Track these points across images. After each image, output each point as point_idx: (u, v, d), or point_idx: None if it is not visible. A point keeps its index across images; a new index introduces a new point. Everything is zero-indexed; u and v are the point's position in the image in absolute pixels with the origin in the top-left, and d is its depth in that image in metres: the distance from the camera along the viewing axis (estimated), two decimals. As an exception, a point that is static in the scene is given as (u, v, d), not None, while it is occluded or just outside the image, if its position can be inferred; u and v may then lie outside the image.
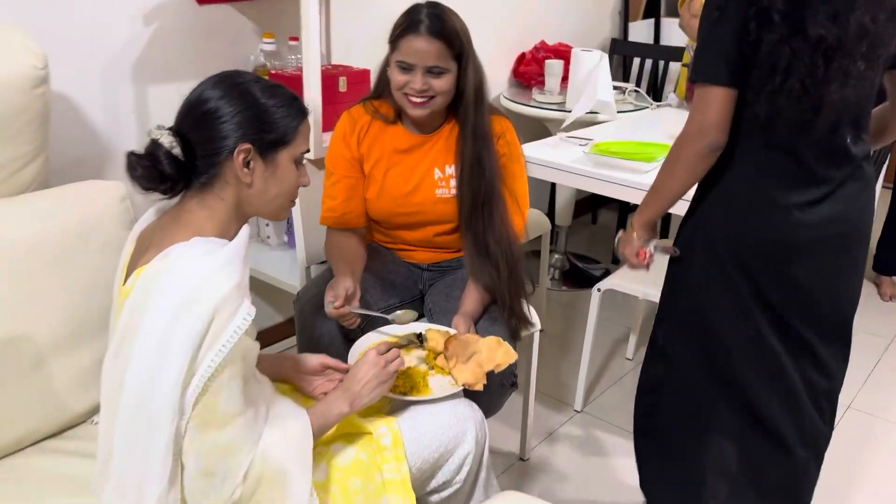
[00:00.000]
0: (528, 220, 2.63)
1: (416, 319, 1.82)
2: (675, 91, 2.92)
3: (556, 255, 3.29)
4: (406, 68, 1.59)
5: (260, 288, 2.36)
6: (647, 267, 1.44)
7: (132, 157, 1.10)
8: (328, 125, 1.96)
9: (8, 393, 1.36)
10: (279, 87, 1.16)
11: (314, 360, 1.42)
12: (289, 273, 2.09)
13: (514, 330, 1.70)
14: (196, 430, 1.03)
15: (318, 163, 1.91)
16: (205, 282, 1.02)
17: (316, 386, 1.41)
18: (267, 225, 2.28)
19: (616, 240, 1.50)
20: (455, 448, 1.38)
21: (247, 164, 1.11)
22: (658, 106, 2.91)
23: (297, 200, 1.85)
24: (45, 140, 1.55)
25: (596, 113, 2.67)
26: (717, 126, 1.23)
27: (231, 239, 1.10)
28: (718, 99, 1.21)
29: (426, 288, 1.85)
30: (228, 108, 1.10)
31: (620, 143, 2.17)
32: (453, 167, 1.72)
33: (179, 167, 1.11)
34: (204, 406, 1.03)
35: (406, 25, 1.57)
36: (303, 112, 1.17)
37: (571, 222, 3.26)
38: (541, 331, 2.78)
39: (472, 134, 1.66)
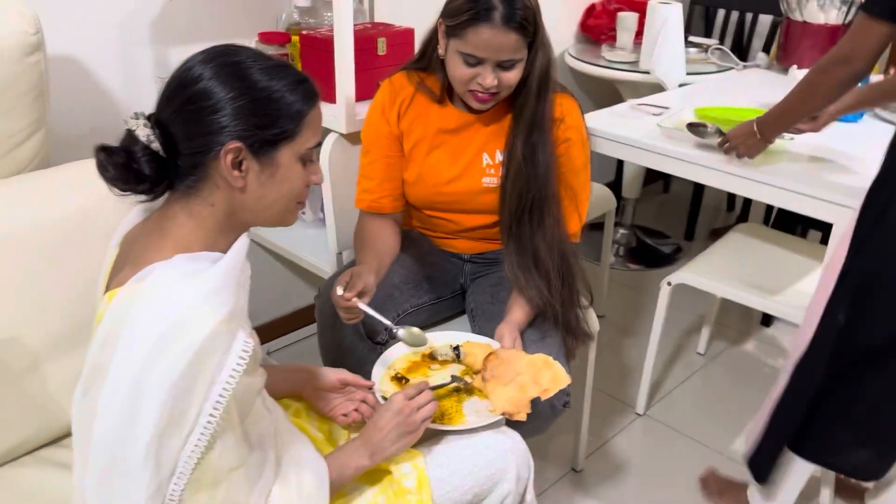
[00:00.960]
0: (591, 195, 2.39)
1: (449, 319, 1.62)
2: (768, 52, 2.58)
3: (622, 231, 3.01)
4: (474, 62, 1.34)
5: (292, 265, 2.19)
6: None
7: (102, 153, 0.90)
8: (363, 94, 1.73)
9: (2, 398, 1.23)
10: (284, 66, 0.93)
11: (332, 375, 1.23)
12: (324, 254, 1.90)
13: (568, 348, 1.47)
14: (186, 490, 0.86)
15: (352, 137, 1.70)
16: (185, 315, 0.83)
17: (335, 406, 1.23)
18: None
19: (721, 140, 1.65)
20: (493, 488, 1.18)
21: (238, 165, 0.90)
22: (745, 67, 2.56)
23: (329, 179, 1.71)
24: (44, 113, 1.38)
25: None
26: (866, 57, 1.30)
27: (225, 252, 0.90)
28: (879, 34, 1.27)
29: (468, 283, 1.63)
30: (220, 94, 0.88)
31: (722, 108, 1.93)
32: (505, 153, 1.47)
33: (160, 166, 0.91)
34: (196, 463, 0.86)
35: (475, 13, 1.29)
36: (311, 98, 0.93)
37: (640, 192, 2.97)
38: (601, 317, 2.57)
39: (527, 124, 1.40)
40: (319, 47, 1.73)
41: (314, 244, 1.98)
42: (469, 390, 1.26)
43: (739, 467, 1.89)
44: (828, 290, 1.39)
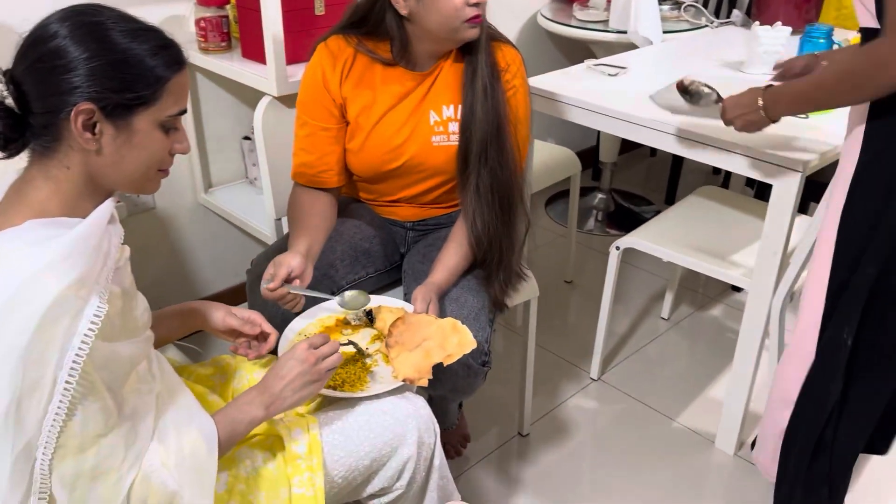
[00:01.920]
0: (555, 160, 2.35)
1: (389, 288, 1.60)
2: (749, 10, 2.49)
3: (601, 196, 2.96)
4: None
5: (246, 232, 2.19)
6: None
7: None
8: (299, 55, 1.70)
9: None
10: (150, 30, 0.91)
11: (219, 319, 1.21)
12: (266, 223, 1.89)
13: (496, 297, 1.46)
14: (54, 456, 0.85)
15: (285, 100, 1.67)
16: (29, 281, 0.81)
17: (238, 348, 1.24)
18: (254, 164, 2.07)
19: (721, 106, 1.43)
20: (391, 453, 1.17)
21: (91, 128, 0.88)
22: (719, 24, 2.48)
23: (263, 144, 1.69)
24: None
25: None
26: None
27: (87, 216, 0.88)
28: None
29: (409, 249, 1.61)
30: (74, 52, 0.86)
31: None
32: (452, 108, 1.44)
33: (14, 122, 0.89)
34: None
35: None
36: (175, 64, 0.91)
37: (626, 157, 2.90)
38: (568, 282, 2.54)
39: (483, 74, 1.39)
40: (255, 8, 1.70)
41: (262, 210, 1.97)
42: (364, 354, 1.25)
43: (686, 434, 1.87)
44: (817, 309, 1.26)
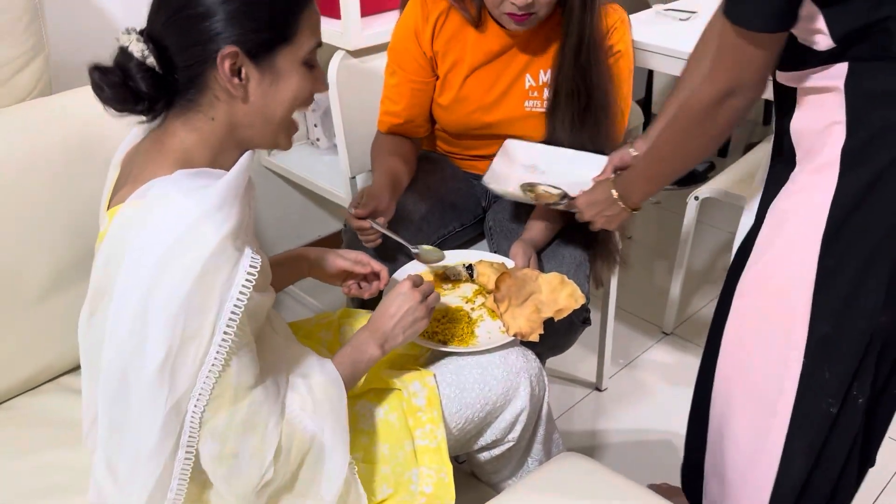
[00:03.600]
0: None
1: (475, 241, 1.58)
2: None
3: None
4: None
5: (312, 195, 2.17)
6: None
7: (96, 72, 0.87)
8: (370, 8, 1.66)
9: (15, 327, 1.24)
10: None
11: (329, 261, 1.21)
12: (341, 181, 1.87)
13: (597, 274, 1.44)
14: (206, 409, 0.85)
15: (359, 54, 1.63)
16: (189, 230, 0.81)
17: (351, 288, 1.24)
18: (315, 126, 2.04)
19: (574, 206, 1.27)
20: (505, 405, 1.16)
21: (237, 72, 0.86)
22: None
23: (338, 101, 1.66)
24: (41, 39, 1.35)
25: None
26: (758, 80, 0.93)
27: (228, 169, 0.87)
28: (767, 47, 0.90)
29: (490, 204, 1.58)
30: (211, 3, 0.84)
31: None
32: (549, 73, 1.39)
33: (156, 81, 0.87)
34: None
35: None
36: None
37: (671, 109, 2.85)
38: (629, 237, 2.51)
39: (574, 45, 1.31)
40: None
41: (329, 171, 1.95)
42: (476, 283, 1.28)
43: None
44: (787, 357, 1.00)
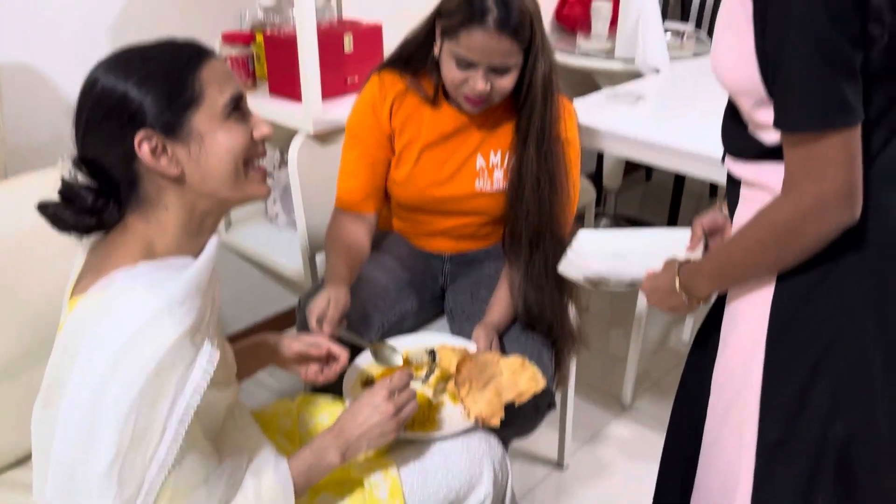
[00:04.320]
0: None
1: (431, 321, 1.58)
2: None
3: (606, 220, 2.99)
4: (466, 65, 1.31)
5: (268, 270, 2.15)
6: None
7: (48, 209, 0.89)
8: (330, 92, 1.69)
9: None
10: (163, 41, 0.90)
11: (286, 346, 1.19)
12: (299, 258, 1.86)
13: (559, 357, 1.45)
14: None
15: (320, 136, 1.66)
16: (148, 324, 0.80)
17: (302, 371, 1.22)
18: (274, 202, 2.04)
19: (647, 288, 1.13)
20: (469, 492, 1.15)
21: (162, 153, 0.86)
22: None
23: (298, 181, 1.67)
24: (-4, 124, 1.34)
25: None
26: (854, 184, 0.85)
27: (197, 256, 0.86)
28: (848, 142, 0.84)
29: (447, 282, 1.59)
30: (116, 88, 0.85)
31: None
32: (500, 155, 1.44)
33: (100, 196, 0.89)
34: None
35: (469, 15, 1.26)
36: (199, 56, 0.89)
37: (622, 182, 2.94)
38: (586, 309, 2.55)
39: (537, 134, 1.36)
40: (284, 46, 1.69)
41: (288, 247, 1.94)
42: (437, 367, 1.27)
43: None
44: (740, 455, 1.01)
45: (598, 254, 1.28)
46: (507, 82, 1.32)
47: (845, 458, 0.96)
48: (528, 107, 1.35)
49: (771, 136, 0.90)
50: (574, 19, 2.73)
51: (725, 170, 1.02)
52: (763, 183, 0.93)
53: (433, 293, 1.58)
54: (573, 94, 2.33)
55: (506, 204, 1.42)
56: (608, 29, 2.58)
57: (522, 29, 1.27)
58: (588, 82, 2.76)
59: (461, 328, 1.45)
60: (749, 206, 0.95)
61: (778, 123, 0.84)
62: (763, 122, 0.89)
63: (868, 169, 0.87)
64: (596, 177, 3.14)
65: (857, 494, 0.97)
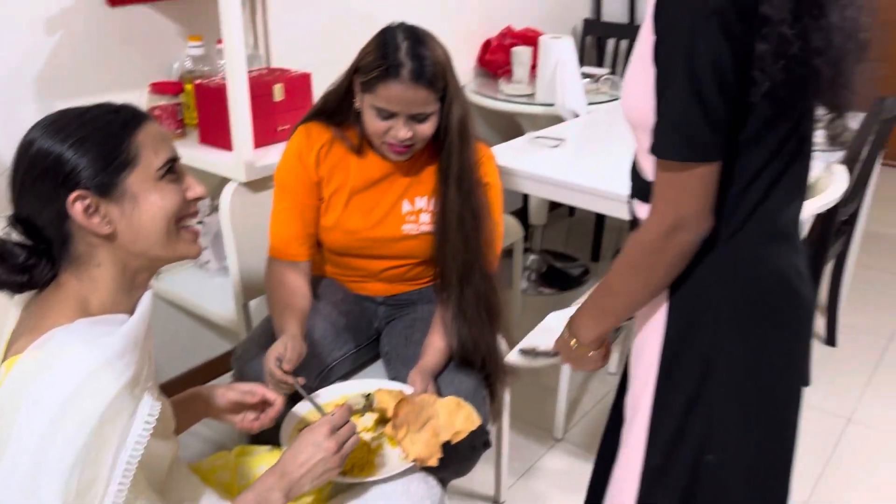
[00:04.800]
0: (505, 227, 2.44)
1: (367, 364, 1.61)
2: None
3: (533, 256, 3.08)
4: (387, 116, 1.37)
5: (199, 318, 2.14)
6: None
7: None
8: (260, 140, 1.72)
9: None
10: (99, 105, 0.93)
11: (220, 395, 1.20)
12: (232, 305, 1.86)
13: (492, 391, 1.50)
14: None
15: (252, 185, 1.68)
16: (88, 380, 0.81)
17: (237, 421, 1.22)
18: (206, 248, 2.04)
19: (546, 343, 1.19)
20: (409, 535, 1.17)
21: (94, 212, 0.89)
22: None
23: (231, 229, 1.68)
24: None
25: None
26: (703, 210, 0.94)
27: (131, 312, 0.88)
28: (705, 177, 0.93)
29: (382, 325, 1.63)
30: (51, 150, 0.88)
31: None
32: (425, 199, 1.50)
33: (34, 253, 0.90)
34: None
35: (385, 69, 1.33)
36: (134, 120, 0.92)
37: (547, 218, 3.04)
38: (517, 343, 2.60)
39: (457, 175, 1.43)
40: (213, 96, 1.71)
41: (220, 294, 1.94)
42: (374, 411, 1.29)
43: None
44: (627, 482, 1.10)
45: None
46: (427, 128, 1.39)
47: (716, 486, 1.04)
48: (447, 150, 1.42)
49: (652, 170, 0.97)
50: (496, 64, 2.84)
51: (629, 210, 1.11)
52: None
53: (369, 336, 1.61)
54: (497, 135, 2.43)
55: (434, 244, 1.48)
56: (529, 74, 2.70)
57: (436, 79, 1.35)
58: (512, 124, 2.87)
59: (397, 371, 1.49)
60: None
61: (652, 149, 0.93)
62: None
63: (750, 216, 0.97)
64: (522, 214, 3.24)
65: None
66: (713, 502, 1.06)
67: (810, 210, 1.73)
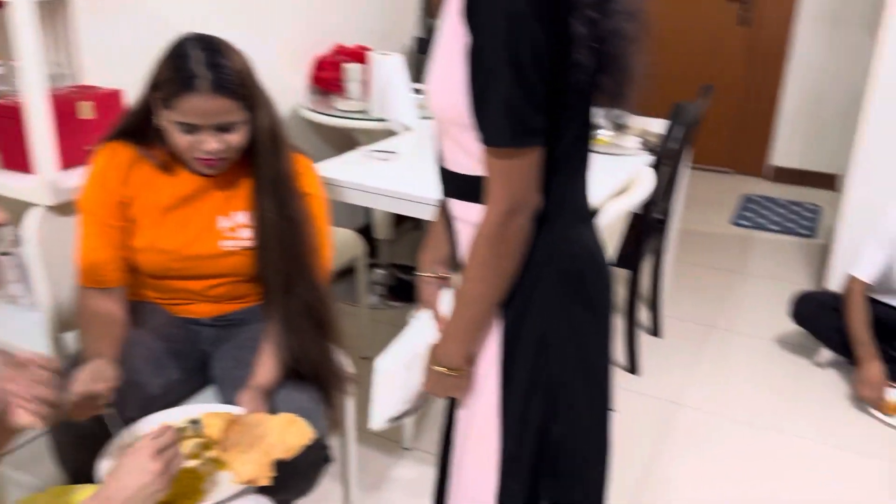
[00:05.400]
0: (342, 243, 2.43)
1: (201, 389, 1.54)
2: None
3: (381, 271, 3.09)
4: (191, 130, 1.32)
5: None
6: None
7: None
8: (71, 161, 1.61)
9: None
10: None
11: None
12: (43, 340, 1.72)
13: (328, 399, 1.47)
14: None
15: (61, 209, 1.56)
16: None
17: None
18: (15, 282, 1.87)
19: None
20: (244, 560, 1.13)
21: None
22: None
23: (40, 257, 1.56)
24: None
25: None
26: (533, 191, 1.00)
27: None
28: (530, 162, 0.99)
29: (211, 348, 1.56)
30: None
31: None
32: (243, 214, 1.45)
33: None
34: None
35: (180, 82, 1.29)
36: None
37: (395, 232, 3.07)
38: (365, 358, 2.60)
39: (271, 182, 1.40)
40: (10, 116, 1.59)
41: (31, 329, 1.78)
42: (203, 436, 1.23)
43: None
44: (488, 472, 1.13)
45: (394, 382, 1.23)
46: (237, 138, 1.36)
47: (559, 459, 1.11)
48: (260, 158, 1.40)
49: (473, 165, 1.01)
50: (329, 81, 2.83)
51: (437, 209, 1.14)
52: (473, 218, 1.04)
53: (197, 361, 1.54)
54: (335, 151, 2.42)
55: (255, 257, 1.44)
56: (362, 90, 2.72)
57: (238, 87, 1.32)
58: (349, 140, 2.87)
59: (229, 396, 1.43)
60: (465, 243, 1.08)
61: (483, 140, 0.97)
62: (469, 148, 1.01)
63: (563, 199, 1.04)
64: (367, 230, 3.24)
65: (573, 492, 1.13)
66: (557, 472, 1.12)
67: (621, 208, 1.86)
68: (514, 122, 0.95)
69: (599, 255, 1.11)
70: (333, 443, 1.46)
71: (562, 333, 1.07)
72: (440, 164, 1.11)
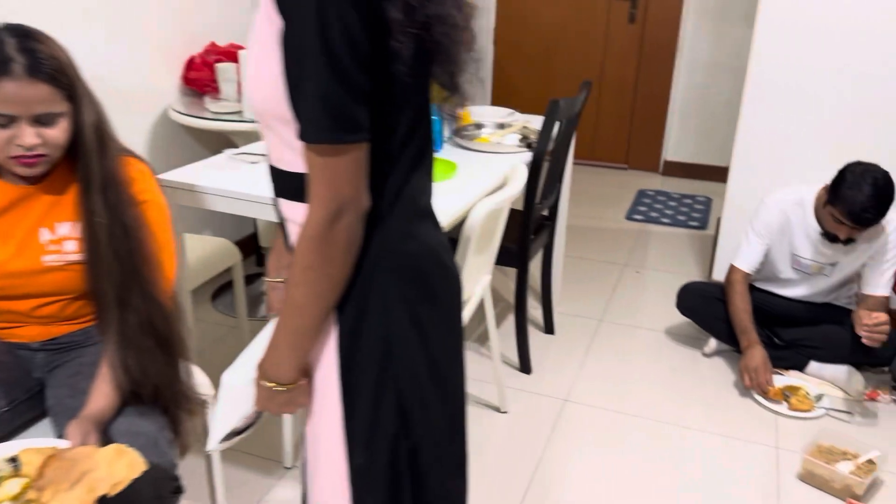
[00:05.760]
0: (214, 252, 2.30)
1: (34, 422, 1.40)
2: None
3: (266, 279, 2.96)
4: (6, 122, 1.18)
5: None
6: None
7: None
8: None
9: None
10: None
11: None
12: None
13: (176, 422, 1.36)
14: None
15: None
16: None
17: None
18: None
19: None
20: None
21: None
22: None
23: None
24: None
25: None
26: (361, 190, 0.93)
27: None
28: (357, 158, 0.92)
29: (44, 375, 1.42)
30: None
31: None
32: (68, 226, 1.32)
33: None
34: None
35: None
36: None
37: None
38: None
39: (100, 185, 1.27)
40: None
41: None
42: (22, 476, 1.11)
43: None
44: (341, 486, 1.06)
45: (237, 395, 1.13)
46: (57, 133, 1.23)
47: (417, 469, 1.05)
48: (85, 158, 1.27)
49: (298, 162, 0.94)
50: (202, 82, 2.69)
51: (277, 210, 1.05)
52: (301, 219, 0.96)
53: (28, 390, 1.39)
54: (210, 155, 2.29)
55: (85, 270, 1.32)
56: (237, 90, 2.59)
57: (58, 73, 1.20)
58: (227, 143, 2.73)
59: (63, 428, 1.29)
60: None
61: (301, 136, 0.89)
62: (293, 144, 0.93)
63: (396, 197, 0.97)
64: (251, 238, 3.12)
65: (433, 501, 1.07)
66: (419, 487, 1.05)
67: (490, 205, 1.81)
68: (333, 115, 0.87)
69: (444, 251, 1.05)
70: (199, 469, 1.34)
71: (407, 334, 1.01)
72: (269, 163, 1.02)
